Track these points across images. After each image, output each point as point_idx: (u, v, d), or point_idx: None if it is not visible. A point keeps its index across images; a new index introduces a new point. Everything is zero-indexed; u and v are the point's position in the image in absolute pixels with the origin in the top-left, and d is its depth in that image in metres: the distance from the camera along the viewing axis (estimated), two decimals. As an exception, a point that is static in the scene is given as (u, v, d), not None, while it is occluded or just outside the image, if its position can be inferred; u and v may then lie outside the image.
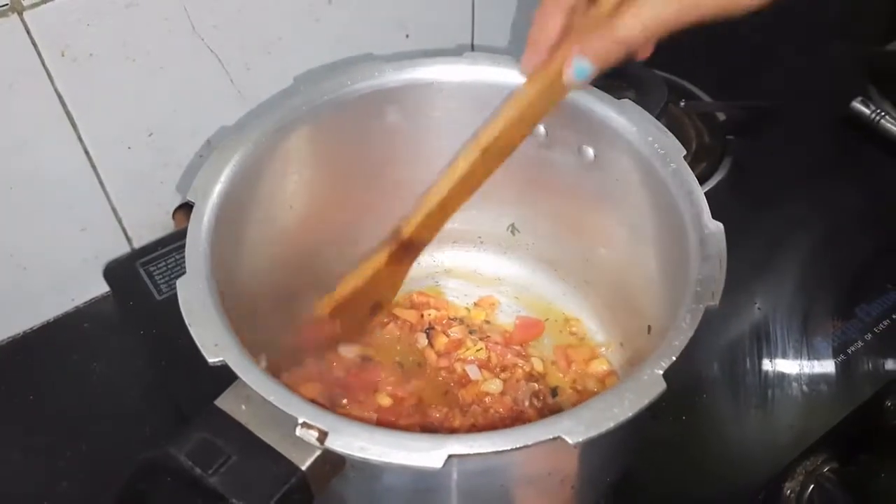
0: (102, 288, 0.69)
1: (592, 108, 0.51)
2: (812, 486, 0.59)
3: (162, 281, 0.66)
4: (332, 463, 0.37)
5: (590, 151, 0.52)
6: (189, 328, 0.38)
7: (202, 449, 0.35)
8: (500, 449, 0.35)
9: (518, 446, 0.35)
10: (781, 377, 0.61)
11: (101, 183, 0.65)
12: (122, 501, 0.35)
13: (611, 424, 0.35)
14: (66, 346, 0.66)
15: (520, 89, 0.48)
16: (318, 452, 0.36)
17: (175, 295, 0.64)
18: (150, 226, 0.70)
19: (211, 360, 0.37)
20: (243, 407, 0.37)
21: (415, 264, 0.63)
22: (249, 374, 0.37)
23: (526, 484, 0.42)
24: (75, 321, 0.69)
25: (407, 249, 0.53)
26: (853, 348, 0.62)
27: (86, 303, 0.70)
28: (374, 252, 0.53)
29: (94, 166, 0.64)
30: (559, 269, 0.62)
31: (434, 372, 0.57)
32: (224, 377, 0.39)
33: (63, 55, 0.57)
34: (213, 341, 0.38)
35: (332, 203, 0.55)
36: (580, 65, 0.43)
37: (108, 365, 0.65)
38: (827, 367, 0.61)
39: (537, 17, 0.46)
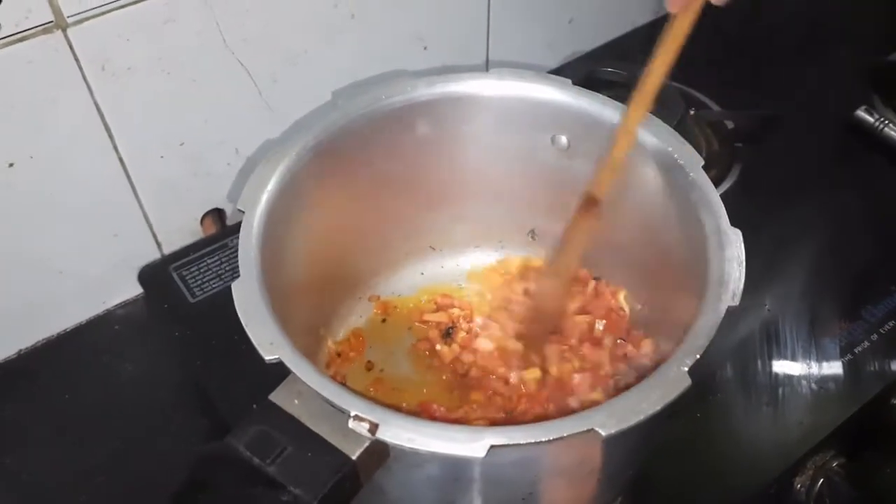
0: (132, 291, 0.72)
1: (613, 119, 0.53)
2: (821, 480, 0.61)
3: (194, 284, 0.68)
4: (379, 453, 0.39)
5: (610, 160, 0.55)
6: (245, 328, 0.40)
7: (260, 440, 0.38)
8: (536, 440, 0.38)
9: (553, 437, 0.38)
10: (791, 376, 0.63)
11: (134, 191, 0.67)
12: (186, 489, 0.38)
13: (640, 418, 0.38)
14: (98, 347, 0.68)
15: (671, 28, 0.48)
16: (367, 443, 0.38)
17: (208, 297, 0.68)
18: (179, 231, 0.72)
19: (267, 357, 0.39)
20: (296, 401, 0.39)
21: (438, 268, 0.66)
22: (303, 370, 0.39)
23: (557, 475, 0.44)
24: (107, 323, 0.70)
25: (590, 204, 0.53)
26: (860, 348, 0.64)
27: (116, 305, 0.71)
28: (574, 223, 0.54)
29: (128, 175, 0.66)
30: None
31: (444, 369, 0.60)
32: (258, 374, 0.41)
33: (103, 69, 0.59)
34: (269, 340, 0.40)
35: (366, 210, 0.57)
36: None
37: (138, 365, 0.67)
38: (834, 366, 0.63)
39: None
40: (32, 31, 0.55)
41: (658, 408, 0.38)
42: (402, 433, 0.37)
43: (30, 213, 0.62)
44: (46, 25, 0.55)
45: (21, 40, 0.55)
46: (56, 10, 0.55)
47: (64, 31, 0.56)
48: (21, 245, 0.63)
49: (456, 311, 0.63)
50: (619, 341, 0.58)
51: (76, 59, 0.58)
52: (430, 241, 0.65)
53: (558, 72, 0.84)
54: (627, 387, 0.41)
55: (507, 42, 0.84)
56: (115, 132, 0.63)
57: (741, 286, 0.43)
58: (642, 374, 0.41)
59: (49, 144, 0.60)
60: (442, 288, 0.65)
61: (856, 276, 0.70)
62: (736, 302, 0.42)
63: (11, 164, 0.59)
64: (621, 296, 0.61)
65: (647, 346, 0.56)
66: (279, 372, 0.41)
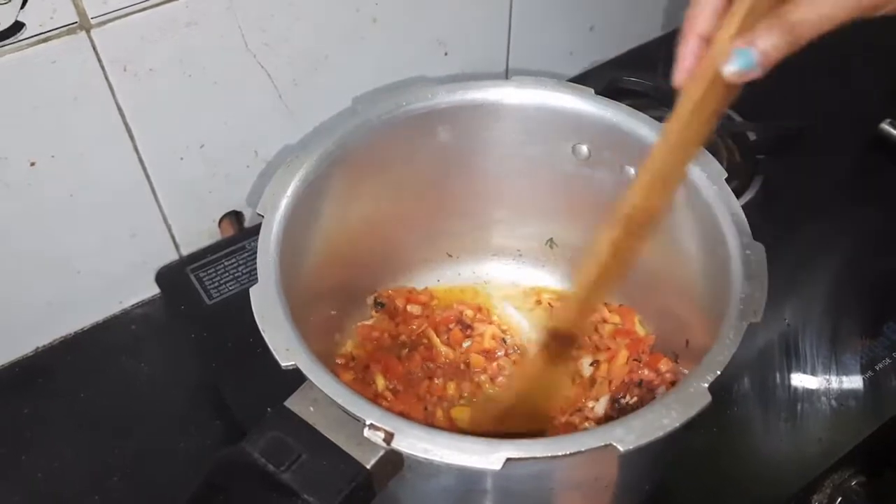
0: (149, 292, 0.72)
1: (635, 129, 0.53)
2: (840, 499, 0.61)
3: (211, 286, 0.69)
4: (393, 463, 0.39)
5: (631, 171, 0.54)
6: (262, 334, 0.40)
7: (274, 447, 0.37)
8: (554, 454, 0.37)
9: (571, 452, 0.37)
10: (810, 392, 0.62)
11: (153, 192, 0.67)
12: (199, 495, 0.38)
13: (660, 434, 0.37)
14: (115, 346, 0.69)
15: (678, 103, 0.40)
16: (381, 452, 0.38)
17: (224, 299, 0.68)
18: (196, 233, 0.73)
19: (284, 363, 0.39)
20: (311, 408, 0.39)
21: (455, 276, 0.66)
22: (319, 377, 0.39)
23: (573, 488, 0.44)
24: (123, 323, 0.71)
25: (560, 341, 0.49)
26: (881, 365, 0.63)
27: (133, 305, 0.72)
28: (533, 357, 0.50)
29: (147, 176, 0.66)
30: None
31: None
32: (273, 376, 0.41)
33: (125, 70, 0.59)
34: (285, 346, 0.40)
35: (385, 215, 0.57)
36: (745, 55, 0.37)
37: (154, 365, 0.67)
38: (855, 382, 0.62)
39: (692, 4, 0.40)
40: (57, 31, 0.55)
41: (678, 424, 0.38)
42: (418, 443, 0.37)
43: (49, 212, 0.63)
44: (71, 26, 0.56)
45: (45, 41, 0.55)
46: (80, 12, 0.56)
47: (88, 32, 0.57)
48: (40, 243, 0.64)
49: (470, 313, 0.63)
50: (634, 361, 0.57)
51: (99, 60, 0.58)
52: (448, 248, 0.65)
53: (579, 80, 0.83)
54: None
55: (527, 49, 0.84)
56: (136, 133, 0.63)
57: (763, 302, 0.42)
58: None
59: (70, 144, 0.61)
60: (458, 295, 0.65)
61: (878, 291, 0.69)
62: (758, 318, 0.42)
63: (33, 164, 0.59)
64: (636, 319, 0.61)
65: (665, 365, 0.56)
66: (294, 375, 0.41)
